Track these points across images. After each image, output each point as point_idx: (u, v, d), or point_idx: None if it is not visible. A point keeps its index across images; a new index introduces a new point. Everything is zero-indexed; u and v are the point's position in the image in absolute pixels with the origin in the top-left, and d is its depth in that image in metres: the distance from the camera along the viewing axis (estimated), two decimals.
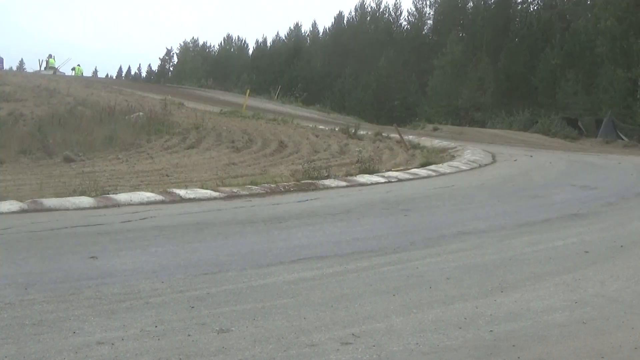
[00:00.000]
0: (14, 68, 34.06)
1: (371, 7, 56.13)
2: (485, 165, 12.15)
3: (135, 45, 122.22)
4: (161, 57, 71.26)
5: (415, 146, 14.64)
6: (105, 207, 6.68)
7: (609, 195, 8.88)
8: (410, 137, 16.03)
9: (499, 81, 39.30)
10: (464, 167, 11.51)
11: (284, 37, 62.33)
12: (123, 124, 14.11)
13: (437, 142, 15.92)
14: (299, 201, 7.57)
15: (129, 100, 18.28)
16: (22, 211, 6.26)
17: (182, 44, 68.43)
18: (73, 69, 35.91)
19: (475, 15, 46.91)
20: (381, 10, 55.68)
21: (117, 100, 17.55)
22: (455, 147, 14.73)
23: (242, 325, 3.55)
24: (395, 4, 63.20)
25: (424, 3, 52.67)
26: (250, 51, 65.18)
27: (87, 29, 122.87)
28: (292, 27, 62.84)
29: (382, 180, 9.50)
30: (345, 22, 57.11)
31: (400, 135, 15.24)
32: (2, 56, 35.20)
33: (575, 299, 4.25)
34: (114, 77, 57.05)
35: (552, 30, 39.39)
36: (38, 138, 12.05)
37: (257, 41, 65.74)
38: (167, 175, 9.51)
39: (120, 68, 74.38)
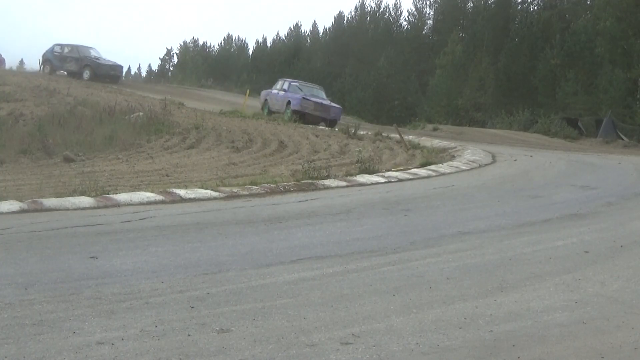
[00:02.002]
0: (14, 68, 33.91)
1: (371, 7, 56.08)
2: (485, 165, 12.15)
3: (135, 45, 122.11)
4: (161, 57, 71.19)
5: (415, 146, 14.63)
6: (105, 207, 6.68)
7: (609, 195, 8.88)
8: (410, 137, 16.04)
9: (499, 81, 39.26)
10: (464, 167, 11.51)
11: (284, 37, 62.30)
12: (123, 124, 14.11)
13: (437, 142, 15.92)
14: (299, 201, 7.57)
15: (129, 100, 18.28)
16: (22, 211, 6.26)
17: (182, 44, 68.38)
18: None
19: (475, 15, 46.84)
20: (381, 10, 55.62)
21: (117, 100, 17.56)
22: (455, 147, 14.73)
23: (242, 325, 3.55)
24: (395, 4, 63.11)
25: (424, 3, 52.62)
26: (250, 51, 65.13)
27: (87, 29, 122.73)
28: (292, 27, 62.78)
29: (382, 180, 9.50)
30: (345, 22, 57.04)
31: (400, 135, 15.23)
32: (4, 56, 34.94)
33: (575, 299, 4.26)
34: None
35: (552, 30, 39.33)
36: (38, 138, 12.05)
37: (257, 41, 65.66)
38: (167, 175, 9.51)
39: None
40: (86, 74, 25.36)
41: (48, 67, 26.71)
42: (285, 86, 21.67)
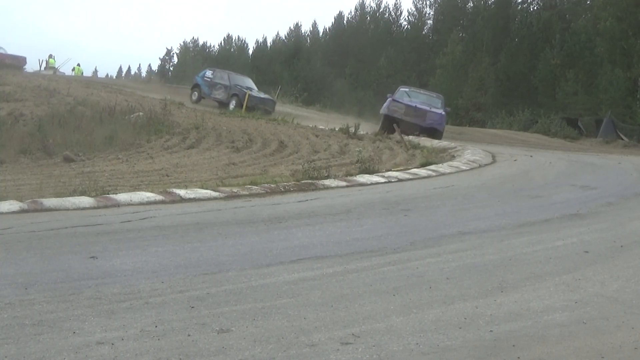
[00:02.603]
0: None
1: (371, 7, 56.18)
2: (485, 165, 12.15)
3: (135, 45, 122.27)
4: (161, 57, 71.25)
5: (415, 146, 14.63)
6: (105, 207, 6.68)
7: (609, 195, 8.88)
8: (410, 137, 16.03)
9: (499, 81, 39.32)
10: (464, 167, 11.50)
11: (284, 37, 62.35)
12: (123, 124, 14.13)
13: (437, 142, 15.91)
14: (299, 201, 7.57)
15: (129, 100, 18.30)
16: (22, 211, 6.26)
17: (182, 44, 68.51)
18: (73, 69, 35.92)
19: (475, 15, 46.88)
20: (381, 10, 55.71)
21: (117, 100, 17.56)
22: (455, 147, 14.72)
23: (242, 325, 3.55)
24: (395, 4, 63.26)
25: (424, 3, 52.69)
26: (250, 51, 65.18)
27: (87, 29, 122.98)
28: (292, 27, 62.86)
29: (382, 180, 9.50)
30: (345, 22, 57.11)
31: (400, 135, 15.24)
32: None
33: (575, 299, 4.26)
34: (114, 77, 57.04)
35: (552, 30, 39.38)
36: (38, 138, 12.06)
37: (257, 41, 65.76)
38: (167, 175, 9.51)
39: (120, 68, 74.40)
40: (232, 105, 22.46)
41: (196, 94, 24.00)
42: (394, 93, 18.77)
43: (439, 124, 17.04)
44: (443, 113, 17.66)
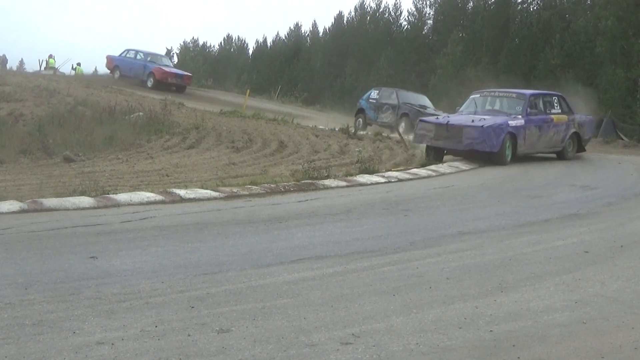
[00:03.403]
0: (14, 68, 33.89)
1: (371, 7, 56.06)
2: (485, 165, 12.13)
3: (136, 46, 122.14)
4: None
5: (415, 146, 14.62)
6: (105, 207, 6.69)
7: (609, 195, 8.88)
8: (410, 137, 16.03)
9: (499, 81, 39.29)
10: (464, 167, 11.50)
11: (284, 37, 62.27)
12: (123, 124, 14.13)
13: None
14: (299, 201, 7.58)
15: (129, 100, 18.28)
16: (22, 211, 6.26)
17: (182, 44, 68.38)
18: (74, 68, 35.83)
19: (475, 15, 46.86)
20: (381, 10, 55.57)
21: (117, 100, 17.55)
22: None
23: (242, 325, 3.55)
24: (395, 4, 62.98)
25: (424, 3, 52.53)
26: (250, 51, 65.11)
27: (87, 29, 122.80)
28: (292, 27, 62.76)
29: (382, 180, 9.51)
30: (345, 22, 57.05)
31: (400, 135, 15.23)
32: (7, 56, 34.62)
33: (575, 299, 4.26)
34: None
35: (552, 30, 39.37)
36: (38, 138, 12.06)
37: (257, 41, 65.58)
38: (167, 175, 9.51)
39: None
40: (402, 126, 17.78)
41: (361, 121, 20.31)
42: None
43: (481, 142, 11.35)
44: (497, 124, 11.52)
